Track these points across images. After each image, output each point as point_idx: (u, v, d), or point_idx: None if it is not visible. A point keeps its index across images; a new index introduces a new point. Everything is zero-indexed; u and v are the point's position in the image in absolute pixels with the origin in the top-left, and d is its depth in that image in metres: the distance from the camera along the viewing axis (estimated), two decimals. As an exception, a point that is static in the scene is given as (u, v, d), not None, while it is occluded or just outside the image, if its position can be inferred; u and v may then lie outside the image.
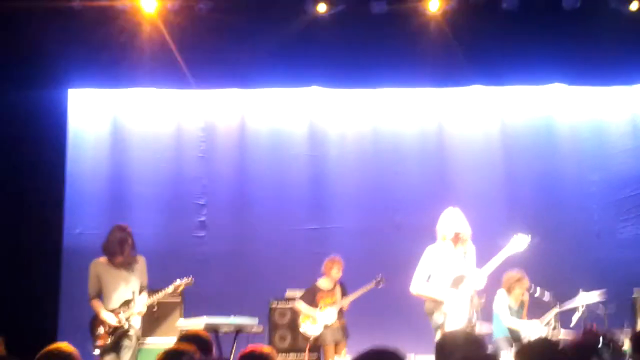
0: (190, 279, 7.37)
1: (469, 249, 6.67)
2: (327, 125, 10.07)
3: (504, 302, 8.12)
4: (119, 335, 6.90)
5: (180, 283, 7.31)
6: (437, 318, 6.42)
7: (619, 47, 8.94)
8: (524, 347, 3.53)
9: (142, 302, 7.05)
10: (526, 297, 8.23)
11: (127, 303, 6.97)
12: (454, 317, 6.34)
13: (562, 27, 8.78)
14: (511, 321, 8.03)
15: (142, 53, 9.02)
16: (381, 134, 10.04)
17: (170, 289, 7.25)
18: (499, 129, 10.07)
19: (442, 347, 3.85)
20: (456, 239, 6.60)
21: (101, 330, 6.91)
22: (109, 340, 6.88)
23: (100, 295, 7.06)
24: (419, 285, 6.57)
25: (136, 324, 6.99)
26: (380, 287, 8.43)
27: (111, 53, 8.78)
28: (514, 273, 8.04)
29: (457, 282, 6.47)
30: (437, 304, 6.44)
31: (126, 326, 6.89)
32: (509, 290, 8.16)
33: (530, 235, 6.68)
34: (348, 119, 10.07)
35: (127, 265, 7.04)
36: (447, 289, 6.45)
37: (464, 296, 6.40)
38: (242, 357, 3.65)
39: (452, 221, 6.65)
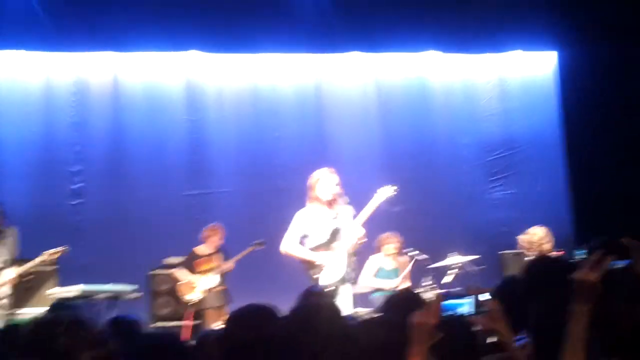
0: (64, 247, 7.16)
1: (344, 209, 6.75)
2: (205, 88, 9.94)
3: (369, 265, 8.38)
4: None
5: (55, 251, 7.07)
6: (312, 274, 6.60)
7: (490, 16, 9.34)
8: (388, 298, 3.66)
9: (12, 272, 6.82)
10: (403, 260, 8.50)
11: None
12: (329, 273, 6.55)
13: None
14: (367, 282, 8.28)
15: (10, 13, 8.67)
16: (260, 97, 10.03)
17: (42, 257, 7.01)
18: (374, 91, 10.27)
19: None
20: (332, 201, 6.71)
21: None
22: None
23: None
24: (289, 244, 6.72)
25: (4, 294, 6.77)
26: (260, 248, 8.48)
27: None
28: (382, 235, 8.32)
29: (335, 236, 6.62)
30: (310, 263, 6.62)
31: None
32: (379, 250, 8.44)
33: (395, 186, 6.96)
34: (226, 83, 9.99)
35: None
36: (319, 250, 6.61)
37: (340, 252, 6.57)
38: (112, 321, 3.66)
39: (323, 187, 6.72)
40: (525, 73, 10.47)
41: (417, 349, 2.51)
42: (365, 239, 6.81)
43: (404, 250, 8.45)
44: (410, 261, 8.39)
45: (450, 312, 2.54)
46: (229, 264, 8.48)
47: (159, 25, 9.00)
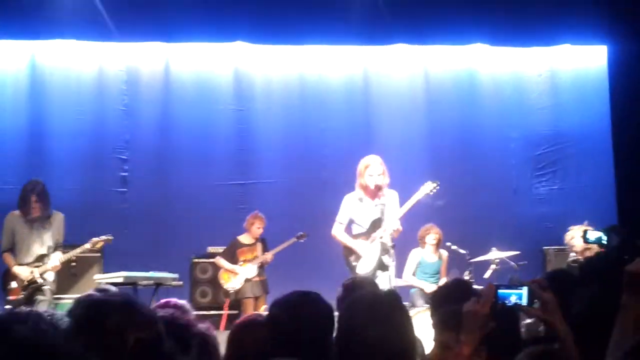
0: (109, 236, 7.31)
1: (389, 197, 6.83)
2: (253, 79, 9.99)
3: (412, 259, 8.41)
4: (32, 290, 6.83)
5: (99, 240, 7.25)
6: (351, 261, 6.84)
7: (539, 10, 9.19)
8: (438, 289, 3.66)
9: (57, 258, 6.99)
10: (444, 254, 8.47)
11: (41, 258, 6.90)
12: (365, 262, 6.75)
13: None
14: (407, 279, 8.27)
15: (63, 3, 8.82)
16: (307, 89, 10.04)
17: (88, 245, 7.20)
18: (422, 83, 10.19)
19: (343, 292, 4.04)
20: (375, 191, 6.78)
21: (13, 284, 6.83)
22: (21, 295, 6.80)
23: (13, 248, 6.97)
24: (337, 229, 7.00)
25: (50, 278, 6.93)
26: (302, 241, 8.52)
27: (30, 2, 8.54)
28: (422, 227, 8.31)
29: (375, 226, 6.77)
30: (350, 249, 6.86)
31: (40, 281, 6.82)
32: (422, 244, 8.41)
33: (437, 182, 7.04)
34: (274, 74, 10.02)
35: (42, 220, 6.95)
36: (359, 240, 6.82)
37: (375, 244, 6.71)
38: (157, 308, 3.68)
39: (371, 174, 6.82)
40: (576, 66, 10.26)
41: (468, 338, 2.50)
42: (400, 231, 6.85)
43: (446, 244, 8.43)
44: (449, 255, 8.40)
45: (503, 301, 2.52)
46: (268, 256, 8.53)
47: (208, 16, 9.08)
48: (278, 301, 2.90)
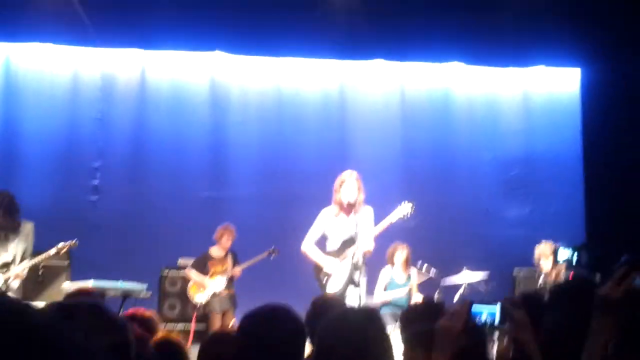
0: (74, 241, 7.18)
1: (364, 213, 6.79)
2: (229, 90, 9.99)
3: (382, 276, 8.39)
4: None
5: (64, 245, 7.12)
6: (321, 278, 6.79)
7: (515, 31, 9.32)
8: (408, 308, 3.65)
9: (22, 266, 6.87)
10: (413, 272, 8.48)
11: (5, 265, 6.78)
12: (335, 280, 6.68)
13: (463, 7, 9.05)
14: (380, 295, 8.27)
15: (40, 5, 8.76)
16: (284, 101, 10.05)
17: (53, 250, 7.07)
18: (398, 100, 10.25)
19: (312, 311, 4.02)
20: (349, 207, 6.74)
21: None
22: None
23: None
24: (307, 245, 6.90)
25: (14, 286, 6.80)
26: (272, 258, 8.47)
27: (6, 4, 8.48)
28: (391, 245, 8.31)
29: (347, 245, 6.72)
30: (319, 267, 6.81)
31: (2, 288, 6.70)
32: (391, 262, 8.41)
33: (412, 204, 6.91)
34: (251, 86, 10.02)
35: (9, 229, 6.85)
36: (330, 257, 6.76)
37: (346, 262, 6.66)
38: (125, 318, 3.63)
39: (347, 190, 6.78)
40: (550, 89, 10.39)
41: (441, 355, 2.50)
42: (370, 252, 6.79)
43: (417, 265, 8.44)
44: (418, 273, 8.40)
45: (475, 319, 2.51)
46: (237, 270, 8.46)
47: (186, 25, 9.07)
48: (249, 315, 2.87)
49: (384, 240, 8.45)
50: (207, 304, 8.37)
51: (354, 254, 6.63)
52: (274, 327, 2.71)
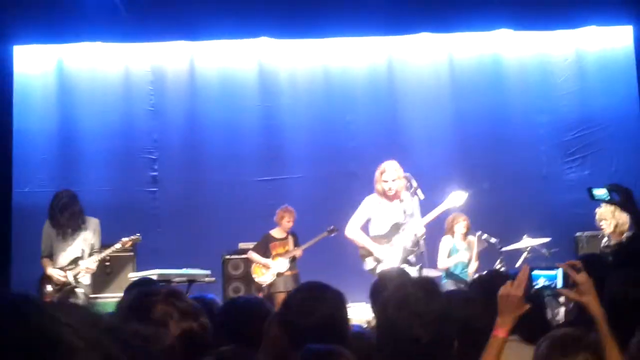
0: (137, 236, 7.39)
1: (409, 201, 6.82)
2: (277, 75, 10.03)
3: (443, 246, 8.40)
4: (66, 292, 6.93)
5: (128, 239, 7.34)
6: (369, 263, 6.87)
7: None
8: (475, 279, 3.67)
9: (91, 260, 7.09)
10: (473, 239, 8.45)
11: (75, 261, 7.00)
12: (385, 264, 6.71)
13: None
14: (444, 262, 8.27)
15: (87, 6, 8.92)
16: (332, 81, 10.05)
17: (118, 245, 7.29)
18: (447, 70, 10.13)
19: (376, 285, 4.05)
20: (391, 196, 6.86)
21: (48, 288, 6.94)
22: (54, 298, 6.91)
23: (51, 254, 7.09)
24: (352, 230, 7.02)
25: (85, 281, 7.05)
26: (333, 235, 8.52)
27: (55, 7, 8.65)
28: (450, 216, 8.28)
29: (395, 229, 6.79)
30: (368, 251, 6.88)
31: (73, 283, 6.92)
32: (451, 232, 8.40)
33: (467, 192, 6.95)
34: (298, 68, 10.05)
35: (73, 227, 7.07)
36: (379, 241, 6.82)
37: (397, 246, 6.73)
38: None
39: (386, 179, 6.89)
40: (603, 47, 10.10)
41: (504, 320, 2.54)
42: (424, 237, 6.79)
43: (477, 233, 8.41)
44: (479, 241, 8.38)
45: (536, 284, 2.53)
46: (298, 251, 8.54)
47: (230, 13, 9.11)
48: (290, 295, 2.94)
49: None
50: (272, 284, 8.48)
51: (405, 241, 6.68)
52: (314, 302, 2.73)
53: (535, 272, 2.52)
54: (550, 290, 2.49)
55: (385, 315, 2.49)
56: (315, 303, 2.70)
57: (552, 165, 9.92)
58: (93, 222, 7.26)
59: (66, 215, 7.07)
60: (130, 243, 7.38)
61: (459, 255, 8.30)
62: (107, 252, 7.27)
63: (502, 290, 2.56)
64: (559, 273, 2.53)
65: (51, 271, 6.98)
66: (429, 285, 2.60)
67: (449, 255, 8.40)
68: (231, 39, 9.77)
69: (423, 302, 2.42)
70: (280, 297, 8.34)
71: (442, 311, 2.46)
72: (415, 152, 9.61)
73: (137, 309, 2.01)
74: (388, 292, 2.61)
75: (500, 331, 2.56)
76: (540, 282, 2.49)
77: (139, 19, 9.07)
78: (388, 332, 2.45)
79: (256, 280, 8.56)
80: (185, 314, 2.04)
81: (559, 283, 2.52)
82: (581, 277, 2.50)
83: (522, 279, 2.55)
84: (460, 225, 8.38)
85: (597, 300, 2.46)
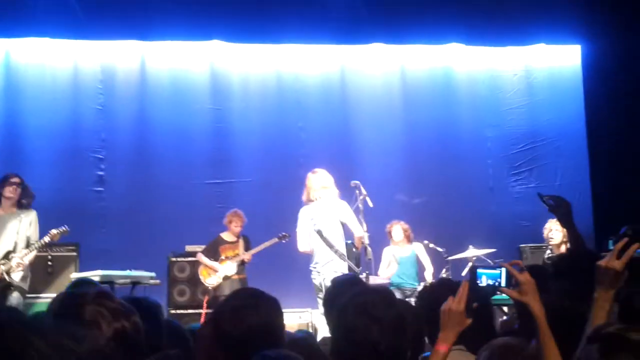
0: (65, 228, 7.10)
1: (333, 206, 7.26)
2: (230, 78, 9.99)
3: (384, 256, 8.64)
4: None
5: (56, 232, 7.04)
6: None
7: (514, 10, 9.29)
8: (425, 288, 3.70)
9: (25, 256, 6.83)
10: (417, 246, 8.65)
11: (7, 255, 6.73)
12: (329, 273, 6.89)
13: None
14: (382, 275, 8.47)
15: (37, 1, 8.77)
16: (284, 88, 10.05)
17: (46, 238, 6.99)
18: (399, 81, 10.24)
19: (329, 291, 4.04)
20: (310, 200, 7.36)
21: None
22: None
23: None
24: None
25: (16, 278, 6.73)
26: (284, 242, 8.49)
27: (4, 0, 8.49)
28: (387, 225, 8.62)
29: (320, 235, 7.12)
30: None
31: (6, 279, 6.64)
32: (392, 239, 8.66)
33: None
34: (251, 73, 10.03)
35: (13, 216, 6.82)
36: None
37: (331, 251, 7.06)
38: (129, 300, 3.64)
39: (308, 187, 7.44)
40: (551, 65, 10.33)
41: (446, 335, 2.56)
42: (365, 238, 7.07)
43: (424, 242, 8.53)
44: (425, 247, 8.56)
45: (481, 281, 2.55)
46: (247, 255, 8.48)
47: (184, 14, 9.08)
48: (222, 303, 2.89)
49: (389, 221, 8.59)
50: (218, 287, 8.41)
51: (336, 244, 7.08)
52: (246, 309, 2.70)
53: (479, 271, 2.53)
54: (493, 288, 2.52)
55: (344, 321, 2.49)
56: (247, 311, 2.67)
57: (498, 177, 10.10)
58: (32, 215, 6.98)
59: (9, 201, 6.78)
60: (58, 236, 7.07)
61: (394, 267, 8.44)
62: (36, 246, 6.95)
63: (444, 305, 2.58)
64: (502, 272, 2.54)
65: None
66: (385, 293, 2.61)
67: (389, 264, 8.56)
68: (183, 40, 9.70)
69: (381, 308, 2.43)
70: (225, 302, 8.29)
71: (399, 318, 2.47)
72: (365, 161, 9.69)
73: (67, 310, 1.97)
74: (346, 298, 2.61)
75: (442, 346, 2.58)
76: (484, 281, 2.51)
77: (90, 16, 8.95)
78: (346, 337, 2.46)
79: (203, 282, 8.48)
80: (117, 314, 2.00)
81: (502, 282, 2.54)
82: (524, 277, 2.52)
83: (462, 294, 2.57)
84: (397, 230, 8.53)
85: (539, 301, 2.50)
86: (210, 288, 8.42)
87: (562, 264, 3.51)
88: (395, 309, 2.47)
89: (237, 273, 8.44)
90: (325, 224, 7.14)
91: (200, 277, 8.49)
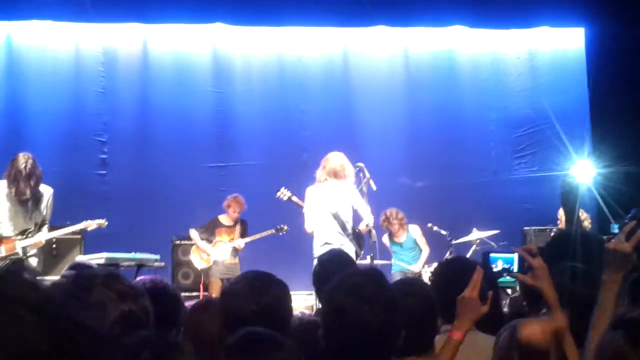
0: (103, 220, 7.16)
1: (346, 190, 7.22)
2: (232, 61, 9.95)
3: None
4: (10, 262, 6.61)
5: (93, 222, 7.07)
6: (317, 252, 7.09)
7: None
8: (437, 266, 3.69)
9: (42, 234, 6.80)
10: (413, 228, 8.63)
11: (24, 232, 6.72)
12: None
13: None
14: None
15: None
16: (286, 71, 10.01)
17: (81, 226, 7.03)
18: (402, 64, 10.20)
19: (317, 270, 4.04)
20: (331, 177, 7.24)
21: None
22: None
23: None
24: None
25: (33, 262, 6.75)
26: (281, 234, 8.46)
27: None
28: (381, 216, 8.51)
29: (336, 218, 7.12)
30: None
31: (20, 254, 6.62)
32: (387, 227, 8.66)
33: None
34: (253, 56, 9.98)
35: (30, 194, 6.72)
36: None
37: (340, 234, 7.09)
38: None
39: (323, 167, 7.37)
40: (555, 47, 10.29)
41: (462, 323, 2.58)
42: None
43: (427, 225, 8.54)
44: (422, 229, 8.58)
45: (497, 265, 2.56)
46: (241, 243, 8.38)
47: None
48: (233, 282, 2.92)
49: (394, 204, 8.58)
50: (207, 269, 8.39)
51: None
52: (257, 291, 2.72)
53: (493, 255, 2.54)
54: (507, 273, 2.52)
55: (334, 301, 2.49)
56: (259, 292, 2.68)
57: (501, 160, 10.08)
58: (47, 192, 6.84)
59: (32, 182, 6.70)
60: (94, 226, 7.12)
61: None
62: (65, 230, 6.97)
63: (463, 294, 2.61)
64: (515, 257, 2.55)
65: None
66: (377, 274, 2.61)
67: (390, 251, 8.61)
68: (186, 23, 9.66)
69: (372, 289, 2.44)
70: (215, 284, 8.24)
71: (391, 299, 2.48)
72: (368, 143, 9.66)
73: (75, 291, 1.96)
74: (336, 278, 2.61)
75: (457, 334, 2.62)
76: (499, 265, 2.52)
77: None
78: (336, 317, 2.46)
79: (192, 261, 8.48)
80: (124, 296, 2.00)
81: (515, 267, 2.55)
82: (537, 262, 2.53)
83: (476, 281, 2.58)
84: (393, 224, 8.52)
85: (552, 286, 2.50)
86: (200, 269, 8.43)
87: (553, 246, 3.49)
88: (387, 290, 2.48)
89: (230, 258, 8.40)
90: (340, 206, 7.13)
91: (191, 256, 8.48)
